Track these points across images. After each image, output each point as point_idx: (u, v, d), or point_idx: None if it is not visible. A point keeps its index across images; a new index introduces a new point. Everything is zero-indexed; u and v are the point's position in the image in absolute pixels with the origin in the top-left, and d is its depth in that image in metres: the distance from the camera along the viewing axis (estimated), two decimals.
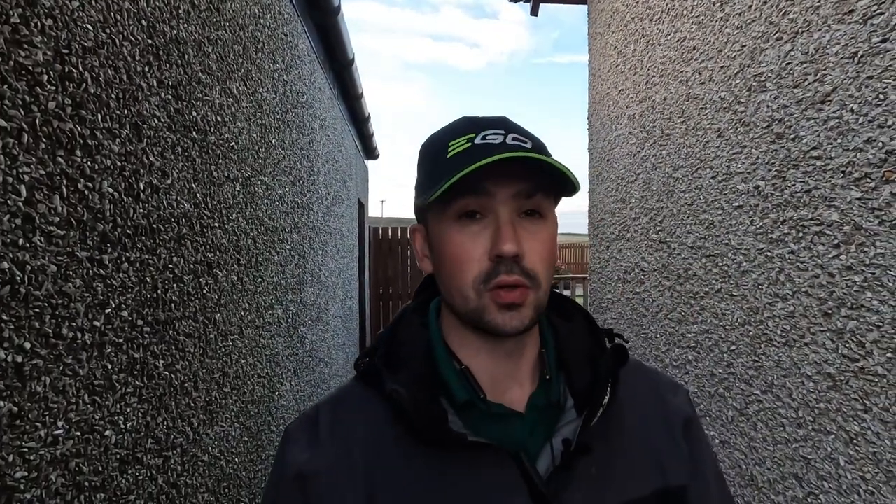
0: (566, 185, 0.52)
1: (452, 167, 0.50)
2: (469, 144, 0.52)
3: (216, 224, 1.26)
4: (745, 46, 1.38)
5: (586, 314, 0.62)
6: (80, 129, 0.72)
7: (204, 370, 1.17)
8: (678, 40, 1.73)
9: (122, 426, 0.83)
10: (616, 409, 0.56)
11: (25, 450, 0.61)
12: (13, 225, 0.60)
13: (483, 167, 0.47)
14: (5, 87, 0.59)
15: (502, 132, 0.52)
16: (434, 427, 0.49)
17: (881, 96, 0.96)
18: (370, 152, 5.94)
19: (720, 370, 1.52)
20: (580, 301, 7.79)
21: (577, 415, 0.54)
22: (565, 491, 0.50)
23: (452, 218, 0.52)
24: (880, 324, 0.98)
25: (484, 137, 0.52)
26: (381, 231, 7.41)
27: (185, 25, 1.08)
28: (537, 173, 0.51)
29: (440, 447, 0.50)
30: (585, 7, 2.64)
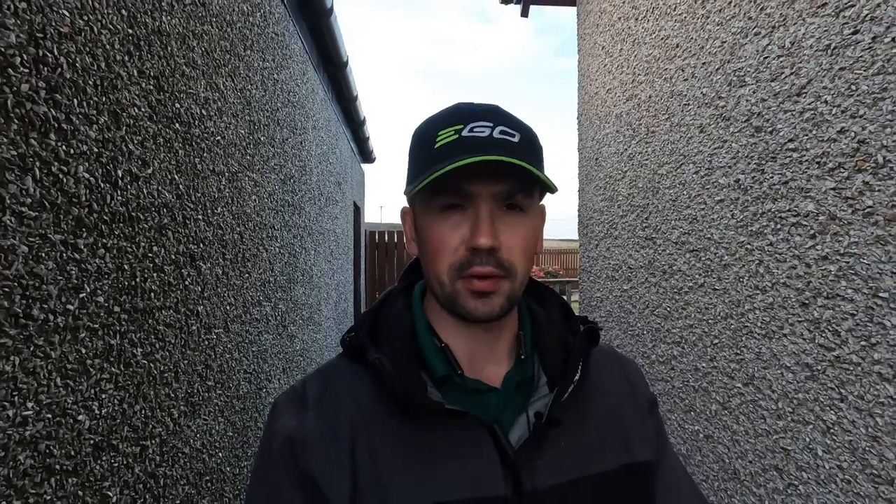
0: (546, 184, 0.54)
1: (437, 160, 0.52)
2: (455, 136, 0.53)
3: (200, 216, 1.26)
4: (725, 42, 1.39)
5: (563, 303, 0.66)
6: (54, 112, 0.73)
7: (185, 362, 1.17)
8: (662, 38, 1.75)
9: (97, 412, 0.83)
10: (587, 388, 0.59)
11: None
12: None
13: (462, 166, 0.49)
14: None
15: (490, 124, 0.53)
16: (413, 395, 0.52)
17: (853, 87, 0.97)
18: (366, 155, 5.95)
19: (704, 364, 1.52)
20: (575, 306, 7.79)
21: (549, 391, 0.58)
22: (534, 460, 0.53)
23: (436, 209, 0.55)
24: (854, 312, 0.99)
25: (471, 130, 0.53)
26: (377, 235, 7.41)
27: (168, 18, 1.09)
28: (516, 174, 0.52)
29: (419, 416, 0.53)
30: (575, 8, 2.66)
